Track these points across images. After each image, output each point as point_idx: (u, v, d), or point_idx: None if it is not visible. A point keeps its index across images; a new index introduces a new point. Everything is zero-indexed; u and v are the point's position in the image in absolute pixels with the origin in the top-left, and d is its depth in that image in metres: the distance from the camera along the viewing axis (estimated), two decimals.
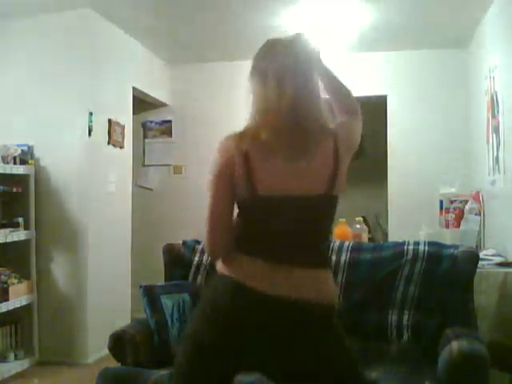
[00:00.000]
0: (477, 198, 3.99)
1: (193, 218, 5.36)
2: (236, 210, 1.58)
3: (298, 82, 1.52)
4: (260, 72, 1.57)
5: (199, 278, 2.77)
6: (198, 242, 2.95)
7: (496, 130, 3.67)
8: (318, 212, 1.55)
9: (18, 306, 3.77)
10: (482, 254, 3.04)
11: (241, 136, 1.56)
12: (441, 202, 4.11)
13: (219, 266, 1.57)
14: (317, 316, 1.50)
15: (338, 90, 1.72)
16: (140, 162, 5.58)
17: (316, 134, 1.51)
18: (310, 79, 1.57)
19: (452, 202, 3.99)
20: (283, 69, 1.53)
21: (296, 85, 1.51)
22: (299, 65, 1.54)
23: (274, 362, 1.48)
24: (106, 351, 2.50)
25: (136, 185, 5.43)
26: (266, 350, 1.46)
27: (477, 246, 3.64)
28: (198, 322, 1.52)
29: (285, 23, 4.25)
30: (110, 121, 4.35)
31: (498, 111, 3.63)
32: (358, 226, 3.39)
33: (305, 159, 1.49)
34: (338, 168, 1.53)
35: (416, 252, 2.56)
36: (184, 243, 2.95)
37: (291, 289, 1.46)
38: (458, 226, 3.82)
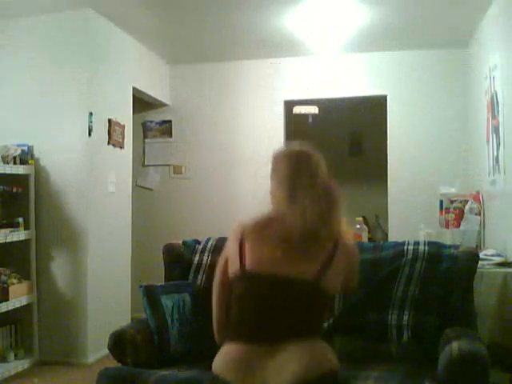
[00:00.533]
0: (477, 198, 3.99)
1: (193, 217, 5.41)
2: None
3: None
4: (280, 176, 1.82)
5: (199, 278, 2.77)
6: (198, 242, 2.94)
7: (496, 130, 3.67)
8: (302, 300, 1.63)
9: (18, 306, 3.77)
10: (481, 254, 3.04)
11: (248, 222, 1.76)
12: (441, 202, 4.11)
13: None
14: None
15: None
16: (140, 162, 5.58)
17: (318, 237, 1.68)
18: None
19: (452, 201, 3.99)
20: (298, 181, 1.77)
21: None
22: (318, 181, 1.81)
23: None
24: (106, 351, 2.50)
25: (136, 185, 5.43)
26: None
27: (477, 246, 3.64)
28: None
29: (285, 23, 4.25)
30: (110, 121, 4.35)
31: (498, 111, 3.63)
32: (358, 226, 3.39)
33: (299, 250, 1.65)
34: (329, 267, 1.66)
35: (416, 252, 2.56)
36: (184, 243, 2.95)
37: (272, 372, 1.49)
38: (458, 226, 3.82)
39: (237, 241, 1.70)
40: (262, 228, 1.68)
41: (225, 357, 1.55)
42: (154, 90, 5.26)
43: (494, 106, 3.74)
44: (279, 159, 1.87)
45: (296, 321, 1.58)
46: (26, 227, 3.90)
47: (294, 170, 1.79)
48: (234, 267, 1.69)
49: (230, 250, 1.74)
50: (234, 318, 1.61)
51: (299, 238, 1.65)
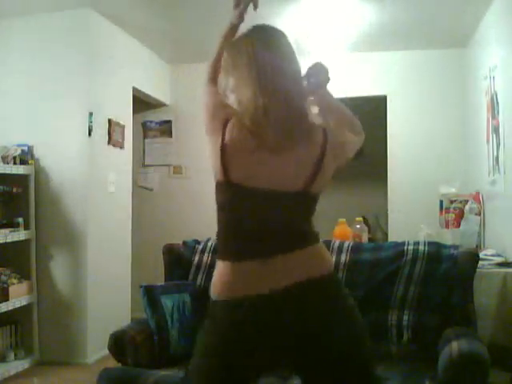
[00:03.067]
0: (477, 198, 3.99)
1: (193, 217, 5.41)
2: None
3: (290, 80, 1.48)
4: (252, 61, 1.48)
5: (199, 278, 2.77)
6: (198, 242, 2.95)
7: (496, 130, 3.67)
8: (292, 209, 1.47)
9: (18, 306, 3.77)
10: (481, 254, 3.04)
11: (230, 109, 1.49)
12: (441, 202, 4.11)
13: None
14: (316, 292, 1.42)
15: (341, 112, 1.62)
16: (140, 162, 5.58)
17: (304, 131, 1.45)
18: (301, 81, 1.53)
19: (452, 201, 3.99)
20: (278, 64, 1.48)
21: (289, 82, 1.47)
22: (292, 65, 1.51)
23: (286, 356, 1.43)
24: (106, 351, 2.50)
25: (136, 185, 5.43)
26: (277, 347, 1.41)
27: (477, 246, 3.64)
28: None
29: (285, 23, 4.25)
30: (110, 121, 4.35)
31: (498, 111, 3.63)
32: (358, 226, 3.39)
33: (287, 153, 1.42)
34: (320, 168, 1.44)
35: (416, 252, 2.56)
36: (184, 243, 2.95)
37: (280, 278, 1.39)
38: (458, 225, 3.82)
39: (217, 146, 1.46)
40: (247, 129, 1.42)
41: (226, 277, 1.43)
42: (154, 90, 5.26)
43: (494, 106, 3.74)
44: (241, 43, 1.56)
45: (291, 231, 1.46)
46: (26, 227, 3.90)
47: (265, 52, 1.48)
48: (215, 172, 1.52)
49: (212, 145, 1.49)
50: (224, 241, 1.51)
51: (286, 141, 1.41)
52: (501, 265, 3.01)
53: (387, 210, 5.18)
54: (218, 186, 1.55)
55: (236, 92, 1.49)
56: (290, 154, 1.43)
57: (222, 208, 1.56)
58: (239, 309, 1.39)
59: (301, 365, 1.44)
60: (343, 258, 2.64)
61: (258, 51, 1.49)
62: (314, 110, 1.56)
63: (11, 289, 3.71)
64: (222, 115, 1.47)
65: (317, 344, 1.40)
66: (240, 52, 1.53)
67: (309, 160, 1.44)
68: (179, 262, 2.85)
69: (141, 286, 2.59)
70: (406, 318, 2.45)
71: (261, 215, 1.45)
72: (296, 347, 1.40)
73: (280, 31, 1.57)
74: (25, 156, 3.97)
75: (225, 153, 1.45)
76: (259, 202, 1.45)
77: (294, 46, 1.55)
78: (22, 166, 3.91)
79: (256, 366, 1.43)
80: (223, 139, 1.44)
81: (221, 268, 1.47)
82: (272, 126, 1.42)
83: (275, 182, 1.43)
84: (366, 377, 1.45)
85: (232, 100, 1.50)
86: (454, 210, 3.94)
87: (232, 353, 1.40)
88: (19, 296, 3.78)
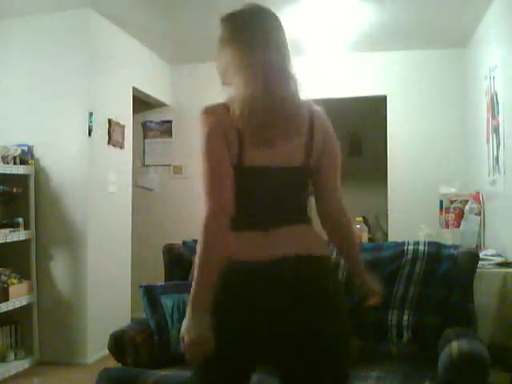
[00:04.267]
0: (477, 198, 3.99)
1: (193, 217, 5.40)
2: None
3: (280, 57, 1.55)
4: (246, 40, 1.55)
5: None
6: None
7: (496, 130, 3.67)
8: (297, 182, 1.53)
9: (18, 306, 3.77)
10: (481, 254, 3.04)
11: (226, 104, 1.53)
12: (441, 202, 4.11)
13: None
14: (312, 269, 1.44)
15: None
16: (140, 162, 5.58)
17: (295, 114, 1.50)
18: (289, 55, 1.59)
19: (452, 201, 3.99)
20: (268, 42, 1.54)
21: (279, 59, 1.54)
22: (280, 39, 1.58)
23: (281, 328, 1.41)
24: (106, 351, 2.50)
25: (136, 185, 5.43)
26: (274, 317, 1.40)
27: (477, 246, 3.64)
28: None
29: (285, 23, 4.24)
30: (110, 121, 4.35)
31: (497, 111, 3.63)
32: (358, 226, 3.39)
33: (285, 135, 1.47)
34: (312, 142, 1.51)
35: (416, 252, 2.56)
36: (184, 243, 2.96)
37: (281, 248, 1.43)
38: (458, 226, 3.82)
39: (231, 125, 1.47)
40: (250, 115, 1.45)
41: (236, 241, 1.44)
42: (154, 90, 5.26)
43: (494, 106, 3.74)
44: (246, 14, 1.58)
45: (292, 205, 1.53)
46: (26, 227, 3.90)
47: (266, 28, 1.55)
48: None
49: (227, 130, 1.49)
50: (240, 210, 1.46)
51: (284, 118, 1.47)
52: (501, 265, 3.01)
53: (387, 210, 5.18)
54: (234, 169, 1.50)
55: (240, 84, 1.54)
56: (286, 138, 1.48)
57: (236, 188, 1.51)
58: (239, 271, 1.41)
59: (283, 347, 1.42)
60: None
61: (258, 47, 1.53)
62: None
63: (11, 289, 3.71)
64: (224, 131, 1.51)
65: (304, 318, 1.40)
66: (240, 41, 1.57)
67: (302, 142, 1.50)
68: (179, 261, 2.85)
69: (141, 286, 2.59)
70: (405, 317, 2.45)
71: (269, 190, 1.49)
72: (285, 320, 1.39)
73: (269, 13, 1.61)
74: (25, 156, 3.97)
75: (242, 143, 1.46)
76: (267, 179, 1.48)
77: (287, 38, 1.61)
78: (22, 166, 3.91)
79: (252, 346, 1.42)
80: (241, 140, 1.45)
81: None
82: (266, 113, 1.46)
83: (279, 160, 1.48)
84: (340, 367, 1.46)
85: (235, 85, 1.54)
86: (454, 210, 3.94)
87: (228, 318, 1.40)
88: (19, 296, 3.78)
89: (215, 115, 1.53)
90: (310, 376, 1.41)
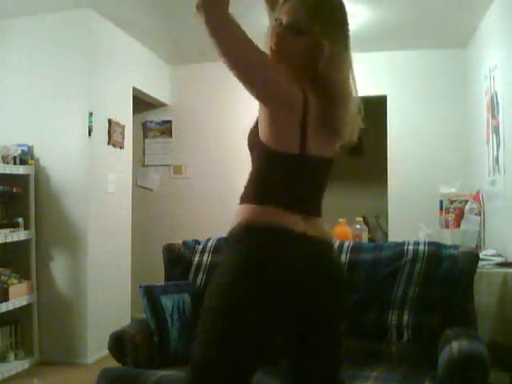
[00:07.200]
0: (477, 198, 3.99)
1: (193, 217, 5.41)
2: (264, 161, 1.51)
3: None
4: (342, 36, 1.61)
5: (199, 279, 2.77)
6: (198, 242, 2.95)
7: (496, 130, 3.67)
8: (330, 172, 1.59)
9: (18, 306, 3.77)
10: (481, 254, 3.04)
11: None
12: (441, 202, 4.11)
13: (248, 216, 1.46)
14: (334, 254, 1.61)
15: None
16: (140, 162, 5.58)
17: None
18: None
19: (452, 202, 3.99)
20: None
21: None
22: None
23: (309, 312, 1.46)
24: (106, 351, 2.50)
25: (136, 185, 5.43)
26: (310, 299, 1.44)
27: (477, 246, 3.64)
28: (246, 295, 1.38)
29: None
30: (110, 121, 4.35)
31: (497, 111, 3.63)
32: (357, 226, 3.39)
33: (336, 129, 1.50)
34: None
35: (416, 252, 2.56)
36: (184, 243, 2.95)
37: (322, 232, 1.51)
38: (458, 226, 3.82)
39: (297, 110, 1.41)
40: (317, 102, 1.43)
41: (290, 217, 1.44)
42: (154, 90, 5.26)
43: (493, 106, 3.74)
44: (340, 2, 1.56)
45: (323, 192, 1.59)
46: (26, 227, 3.90)
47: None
48: (287, 141, 1.43)
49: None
50: (284, 192, 1.48)
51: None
52: (501, 265, 3.01)
53: (387, 210, 5.18)
54: (283, 157, 1.45)
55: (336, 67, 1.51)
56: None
57: (275, 174, 1.50)
58: (300, 241, 1.43)
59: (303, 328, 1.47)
60: (343, 258, 2.64)
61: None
62: None
63: (11, 289, 3.70)
64: (296, 87, 1.43)
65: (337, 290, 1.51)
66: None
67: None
68: (179, 261, 2.85)
69: (141, 286, 2.59)
70: (406, 318, 2.45)
71: (312, 180, 1.53)
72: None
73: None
74: (25, 156, 3.97)
75: (306, 130, 1.44)
76: (315, 170, 1.52)
77: None
78: (22, 166, 3.91)
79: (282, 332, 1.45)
80: (304, 117, 1.42)
81: (263, 209, 1.46)
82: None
83: (324, 150, 1.51)
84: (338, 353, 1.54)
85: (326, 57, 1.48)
86: (454, 210, 3.94)
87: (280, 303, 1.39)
88: (19, 296, 3.78)
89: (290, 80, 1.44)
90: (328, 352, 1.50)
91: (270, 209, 1.44)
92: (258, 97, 1.42)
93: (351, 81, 1.53)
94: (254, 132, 1.52)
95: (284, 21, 1.48)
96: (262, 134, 1.46)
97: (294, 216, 1.45)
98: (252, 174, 1.54)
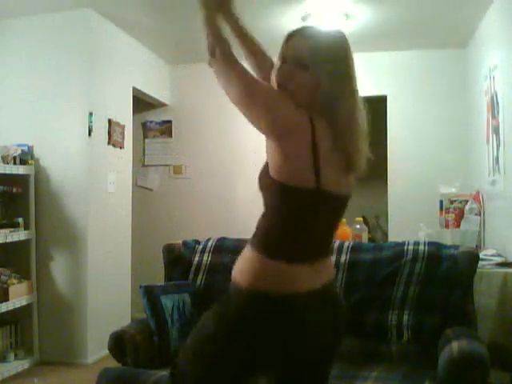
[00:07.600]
0: (477, 198, 3.99)
1: (193, 218, 5.41)
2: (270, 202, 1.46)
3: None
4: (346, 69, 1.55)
5: (199, 278, 2.77)
6: (198, 242, 2.95)
7: (496, 130, 3.67)
8: (343, 211, 1.54)
9: (18, 306, 3.77)
10: (481, 254, 3.04)
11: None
12: (441, 202, 4.11)
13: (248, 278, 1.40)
14: (338, 301, 1.62)
15: None
16: (140, 162, 5.58)
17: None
18: None
19: (452, 202, 3.99)
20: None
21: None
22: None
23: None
24: (106, 351, 2.50)
25: (136, 185, 5.43)
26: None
27: (477, 246, 3.64)
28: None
29: (284, 24, 4.25)
30: (110, 121, 4.35)
31: (497, 111, 3.63)
32: (357, 226, 3.39)
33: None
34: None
35: (416, 252, 2.57)
36: (184, 243, 2.95)
37: (326, 275, 1.50)
38: (458, 226, 3.82)
39: (306, 133, 1.35)
40: (328, 130, 1.39)
41: (297, 276, 1.40)
42: (154, 90, 5.26)
43: (493, 106, 3.74)
44: (342, 41, 1.62)
45: (334, 233, 1.56)
46: (26, 227, 3.90)
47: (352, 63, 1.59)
48: (301, 173, 1.37)
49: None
50: (291, 241, 1.42)
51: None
52: (501, 265, 3.01)
53: (387, 210, 5.18)
54: (297, 192, 1.38)
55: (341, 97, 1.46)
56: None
57: (290, 212, 1.43)
58: (298, 303, 1.39)
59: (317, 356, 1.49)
60: (343, 258, 2.64)
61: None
62: None
63: (11, 289, 3.70)
64: (300, 112, 1.39)
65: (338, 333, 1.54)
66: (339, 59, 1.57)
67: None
68: (179, 261, 2.86)
69: (141, 286, 2.59)
70: (406, 318, 2.45)
71: (327, 220, 1.49)
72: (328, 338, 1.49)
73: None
74: (25, 156, 3.97)
75: (318, 156, 1.37)
76: (331, 207, 1.46)
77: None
78: (22, 166, 3.91)
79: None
80: (314, 140, 1.36)
81: (270, 265, 1.40)
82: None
83: (340, 185, 1.46)
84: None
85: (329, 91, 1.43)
86: (454, 210, 3.95)
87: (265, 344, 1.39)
88: (19, 296, 3.78)
89: (293, 106, 1.41)
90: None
91: (276, 264, 1.39)
92: (264, 128, 1.42)
93: (358, 112, 1.47)
94: (264, 171, 1.46)
95: (289, 56, 1.48)
96: (273, 171, 1.40)
97: (304, 268, 1.41)
98: (264, 216, 1.47)
